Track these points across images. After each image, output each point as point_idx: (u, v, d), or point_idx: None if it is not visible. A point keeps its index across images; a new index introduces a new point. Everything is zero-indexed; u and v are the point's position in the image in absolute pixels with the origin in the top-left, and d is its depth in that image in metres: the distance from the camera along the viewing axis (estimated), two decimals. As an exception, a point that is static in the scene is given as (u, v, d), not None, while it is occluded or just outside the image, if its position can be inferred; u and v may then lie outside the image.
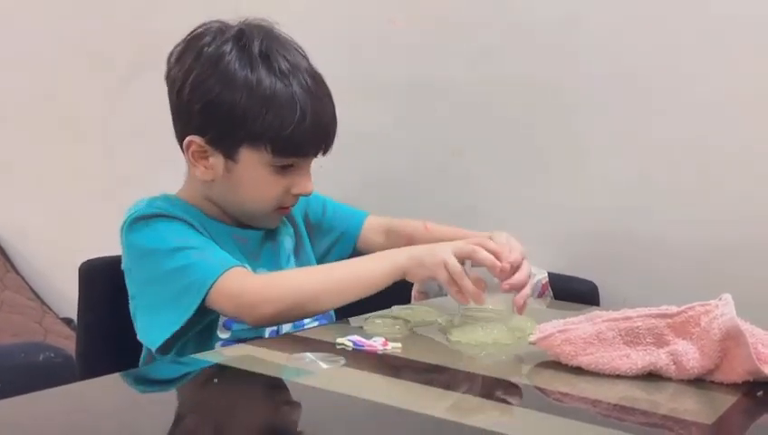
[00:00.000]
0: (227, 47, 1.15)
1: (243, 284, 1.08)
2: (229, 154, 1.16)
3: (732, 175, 1.39)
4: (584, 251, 1.52)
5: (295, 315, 1.12)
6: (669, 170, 1.44)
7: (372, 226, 1.38)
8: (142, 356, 1.20)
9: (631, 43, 1.45)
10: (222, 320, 1.15)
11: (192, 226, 1.15)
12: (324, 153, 1.21)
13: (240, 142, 1.15)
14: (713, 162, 1.40)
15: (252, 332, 1.16)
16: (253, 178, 1.17)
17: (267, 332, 1.17)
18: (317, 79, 1.19)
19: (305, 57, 1.20)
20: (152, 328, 1.11)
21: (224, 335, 1.16)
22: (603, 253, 1.51)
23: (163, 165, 1.98)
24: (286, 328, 1.19)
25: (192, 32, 1.19)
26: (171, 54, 1.19)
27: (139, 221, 1.14)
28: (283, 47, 1.18)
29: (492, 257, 1.07)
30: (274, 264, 1.24)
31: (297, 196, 1.21)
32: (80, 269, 1.29)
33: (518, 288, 1.09)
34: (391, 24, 1.67)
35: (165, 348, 1.11)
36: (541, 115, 1.55)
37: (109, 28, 2.12)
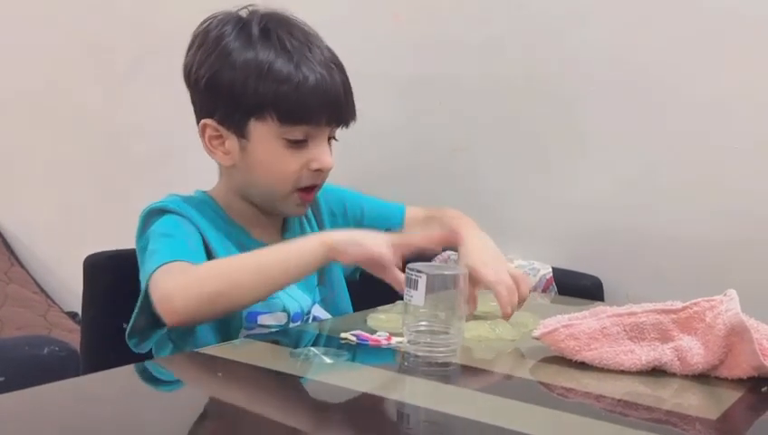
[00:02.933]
0: (228, 28, 1.17)
1: (169, 276, 1.02)
2: (240, 131, 1.16)
3: (735, 171, 1.39)
4: (588, 246, 1.52)
5: (219, 307, 1.03)
6: (673, 166, 1.44)
7: (412, 217, 1.35)
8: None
9: (636, 39, 1.45)
10: (243, 314, 1.15)
11: (197, 228, 1.14)
12: (339, 124, 1.19)
13: (247, 116, 1.15)
14: (716, 158, 1.40)
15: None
16: (266, 153, 1.16)
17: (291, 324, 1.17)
18: (324, 50, 1.19)
19: (316, 35, 1.20)
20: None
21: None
22: (607, 248, 1.51)
23: (167, 159, 1.99)
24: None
25: (200, 24, 1.20)
26: (187, 49, 1.21)
27: (153, 215, 1.14)
28: (286, 24, 1.19)
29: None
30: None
31: (318, 172, 1.18)
32: (84, 263, 1.30)
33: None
34: (395, 19, 1.67)
35: (138, 342, 1.09)
36: (544, 111, 1.55)
37: (112, 22, 2.12)
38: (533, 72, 1.55)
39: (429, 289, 0.93)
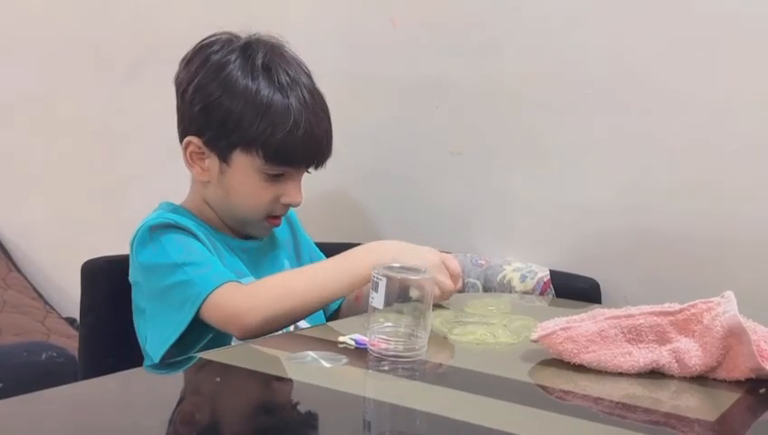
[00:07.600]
0: (233, 56, 1.20)
1: (232, 296, 1.10)
2: (223, 157, 1.20)
3: (733, 173, 1.39)
4: (586, 249, 1.52)
5: (284, 322, 1.12)
6: (671, 168, 1.44)
7: None
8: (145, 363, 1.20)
9: (632, 41, 1.45)
10: None
11: (197, 237, 1.17)
12: (317, 167, 1.25)
13: (234, 146, 1.19)
14: (714, 160, 1.40)
15: None
16: (244, 183, 1.20)
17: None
18: (316, 95, 1.24)
19: (308, 75, 1.25)
20: (155, 342, 1.13)
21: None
22: (605, 251, 1.51)
23: (165, 164, 1.98)
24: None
25: (203, 40, 1.24)
26: (183, 59, 1.24)
27: (147, 233, 1.16)
28: (286, 62, 1.23)
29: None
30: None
31: (286, 206, 1.24)
32: (82, 269, 1.30)
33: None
34: (391, 24, 1.67)
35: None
36: (542, 114, 1.55)
37: (111, 27, 2.12)
38: (531, 74, 1.55)
39: (391, 291, 0.93)
